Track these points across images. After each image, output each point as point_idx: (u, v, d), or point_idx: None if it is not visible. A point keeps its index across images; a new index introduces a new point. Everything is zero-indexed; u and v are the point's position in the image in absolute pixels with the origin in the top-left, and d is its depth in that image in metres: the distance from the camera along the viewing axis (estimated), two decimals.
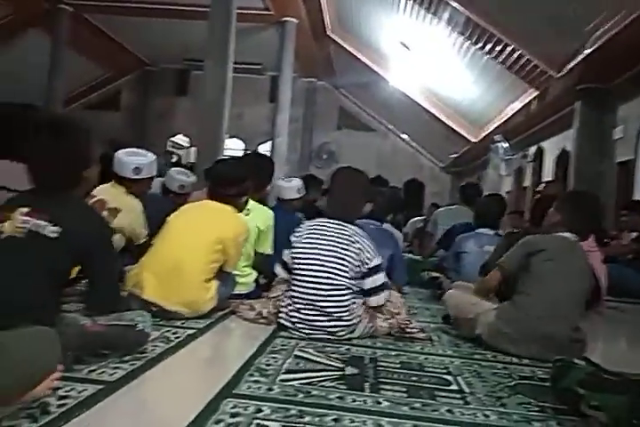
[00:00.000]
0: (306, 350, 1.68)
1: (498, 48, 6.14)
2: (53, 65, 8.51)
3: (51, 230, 1.31)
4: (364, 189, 2.02)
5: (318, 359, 1.58)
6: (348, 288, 1.81)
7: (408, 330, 1.92)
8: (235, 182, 2.13)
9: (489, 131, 8.05)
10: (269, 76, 11.10)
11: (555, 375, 1.34)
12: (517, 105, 6.93)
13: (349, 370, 1.50)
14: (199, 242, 1.95)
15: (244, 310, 2.11)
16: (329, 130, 12.12)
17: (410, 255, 3.95)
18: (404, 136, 11.79)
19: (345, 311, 1.78)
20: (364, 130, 12.03)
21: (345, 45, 9.78)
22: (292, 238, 1.93)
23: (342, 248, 1.82)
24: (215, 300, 1.98)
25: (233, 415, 1.11)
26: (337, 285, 1.79)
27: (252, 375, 1.38)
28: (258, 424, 1.08)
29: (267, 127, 10.73)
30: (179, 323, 1.91)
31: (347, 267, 1.80)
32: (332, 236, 1.85)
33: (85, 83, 11.47)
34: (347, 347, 1.74)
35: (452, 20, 6.45)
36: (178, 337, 1.72)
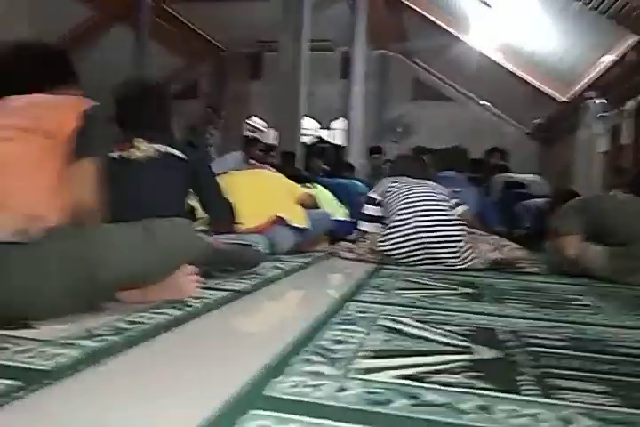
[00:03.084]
0: (415, 277, 1.83)
1: None
2: (137, 58, 9.09)
3: (175, 153, 1.56)
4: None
5: (431, 282, 1.70)
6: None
7: (519, 264, 2.03)
8: None
9: (579, 87, 7.58)
10: (340, 51, 11.09)
11: None
12: (611, 56, 6.46)
13: (462, 290, 1.60)
14: None
15: (341, 250, 2.30)
16: (403, 102, 11.95)
17: None
18: (485, 103, 11.35)
19: (459, 239, 2.09)
20: (440, 100, 11.73)
21: (419, 10, 9.56)
22: (375, 195, 2.40)
23: (436, 191, 2.30)
24: None
25: (360, 312, 1.24)
26: (449, 215, 2.19)
27: (368, 290, 1.52)
28: (387, 318, 1.19)
29: (339, 104, 10.78)
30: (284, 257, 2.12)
31: (446, 202, 2.22)
32: (423, 184, 2.33)
33: (167, 73, 12.10)
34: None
35: None
36: (286, 266, 1.91)
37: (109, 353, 0.87)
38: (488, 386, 0.78)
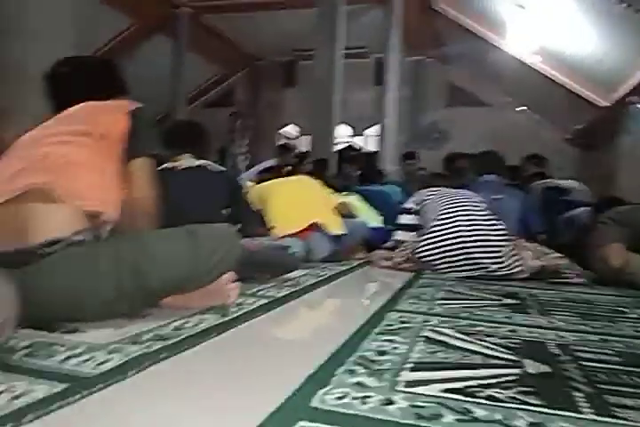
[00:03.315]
0: (455, 287, 1.81)
1: None
2: (175, 67, 9.31)
3: (214, 167, 1.65)
4: None
5: (474, 293, 1.66)
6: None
7: (563, 274, 1.98)
8: None
9: (622, 92, 7.34)
10: (374, 58, 11.10)
11: None
12: None
13: (505, 300, 1.60)
14: None
15: (378, 259, 2.28)
16: (438, 108, 11.83)
17: None
18: (523, 108, 11.13)
19: (502, 244, 2.06)
20: (476, 105, 11.57)
21: (454, 16, 9.49)
22: (411, 204, 2.41)
23: (475, 198, 2.32)
24: None
25: (402, 322, 1.22)
26: (492, 220, 2.16)
27: (408, 299, 1.50)
28: (430, 329, 1.17)
29: (373, 111, 10.76)
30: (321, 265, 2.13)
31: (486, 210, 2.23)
32: (462, 192, 2.34)
33: (203, 82, 12.35)
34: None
35: None
36: (324, 274, 1.91)
37: (153, 360, 0.88)
38: (541, 402, 0.75)
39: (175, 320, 1.14)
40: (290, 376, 0.82)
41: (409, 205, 2.33)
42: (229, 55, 11.71)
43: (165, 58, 9.44)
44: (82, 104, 1.21)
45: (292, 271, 1.74)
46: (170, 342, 0.98)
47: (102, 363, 0.85)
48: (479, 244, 2.03)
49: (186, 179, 1.72)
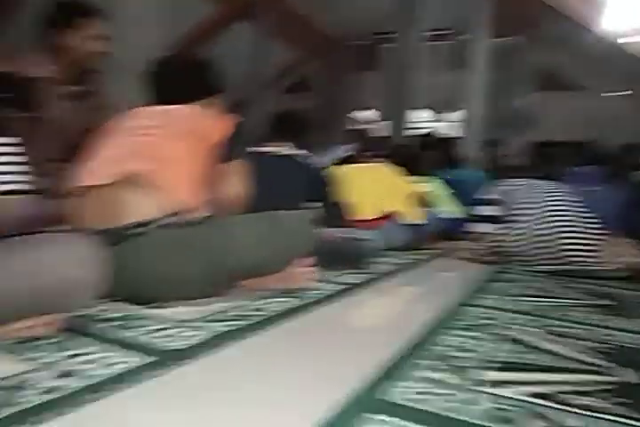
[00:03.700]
0: (544, 284, 1.74)
1: None
2: (255, 53, 9.46)
3: (303, 157, 1.71)
4: None
5: (565, 291, 1.58)
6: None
7: None
8: None
9: None
10: (459, 40, 10.66)
11: None
12: None
13: (599, 301, 1.51)
14: None
15: (456, 250, 2.22)
16: (527, 93, 11.20)
17: None
18: (622, 93, 10.27)
19: (597, 238, 1.95)
20: (569, 89, 10.82)
21: None
22: (492, 194, 2.25)
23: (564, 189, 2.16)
24: None
25: (481, 318, 1.19)
26: (585, 212, 2.03)
27: (487, 294, 1.45)
28: (512, 327, 1.12)
29: (457, 95, 10.38)
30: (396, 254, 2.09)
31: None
32: (552, 185, 2.18)
33: (283, 67, 12.48)
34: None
35: None
36: (399, 264, 1.88)
37: (232, 337, 0.91)
38: (636, 415, 0.69)
39: (253, 301, 1.18)
40: (359, 365, 0.82)
41: (492, 195, 2.22)
42: (310, 40, 11.73)
43: (246, 44, 9.62)
44: (188, 106, 1.32)
45: (366, 261, 1.73)
46: (248, 321, 1.01)
47: (188, 338, 0.89)
48: (572, 235, 1.91)
49: (274, 165, 1.76)
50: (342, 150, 3.64)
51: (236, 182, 1.31)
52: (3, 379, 0.67)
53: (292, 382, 0.75)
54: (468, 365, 0.85)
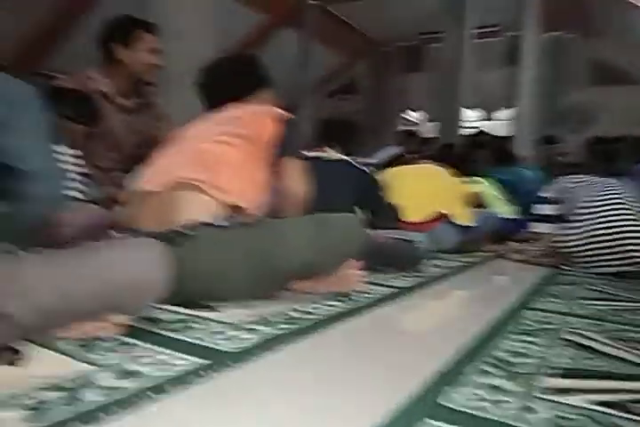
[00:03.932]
0: (602, 286, 1.64)
1: None
2: (301, 58, 9.55)
3: (354, 161, 1.74)
4: None
5: (625, 294, 1.50)
6: None
7: None
8: None
9: None
10: (507, 36, 10.38)
11: None
12: None
13: None
14: None
15: (510, 251, 2.16)
16: (582, 88, 10.74)
17: None
18: None
19: None
20: (629, 83, 10.29)
21: None
22: (550, 193, 2.18)
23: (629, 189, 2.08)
24: None
25: (539, 322, 1.15)
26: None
27: (545, 297, 1.40)
28: (572, 331, 1.08)
29: (506, 93, 10.08)
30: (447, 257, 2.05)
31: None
32: (613, 183, 2.09)
33: (328, 71, 12.55)
34: None
35: None
36: (451, 266, 1.84)
37: (284, 341, 0.92)
38: None
39: (302, 304, 1.18)
40: (416, 370, 0.81)
41: (549, 193, 2.14)
42: (354, 43, 11.74)
43: (292, 49, 9.73)
44: (238, 107, 1.34)
45: (417, 263, 1.70)
46: (298, 325, 1.02)
47: (242, 341, 0.90)
48: (635, 235, 1.81)
49: (326, 170, 1.77)
50: (391, 152, 3.62)
51: (296, 181, 1.33)
52: (67, 379, 0.70)
53: (347, 387, 0.75)
54: (529, 371, 0.82)
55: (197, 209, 1.16)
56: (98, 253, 0.83)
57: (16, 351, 0.74)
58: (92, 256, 0.83)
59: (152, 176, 1.25)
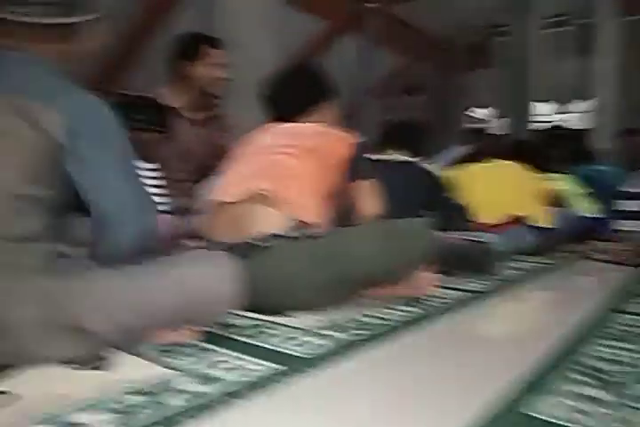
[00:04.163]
0: None
1: None
2: (363, 61, 9.55)
3: (420, 164, 1.69)
4: None
5: None
6: None
7: None
8: None
9: None
10: (578, 24, 9.83)
11: None
12: None
13: None
14: None
15: (593, 252, 2.05)
16: None
17: None
18: None
19: None
20: None
21: None
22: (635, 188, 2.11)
23: None
24: None
25: (630, 326, 1.08)
26: None
27: (636, 300, 1.30)
28: None
29: (580, 84, 9.54)
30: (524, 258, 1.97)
31: None
32: None
33: (390, 73, 12.45)
34: None
35: None
36: (529, 269, 1.76)
37: (358, 347, 0.91)
38: None
39: (373, 310, 1.17)
40: (497, 378, 0.77)
41: (636, 189, 1.99)
42: (417, 44, 11.58)
43: (353, 53, 9.74)
44: (311, 124, 1.37)
45: (492, 266, 1.63)
46: (371, 331, 1.01)
47: (316, 347, 0.90)
48: None
49: (391, 173, 1.75)
50: (459, 151, 3.51)
51: (368, 203, 1.34)
52: (150, 384, 0.73)
53: (425, 396, 0.73)
54: (623, 379, 0.76)
55: (269, 221, 1.18)
56: (171, 270, 0.86)
57: (101, 357, 0.79)
58: (165, 273, 0.86)
59: (226, 187, 1.29)
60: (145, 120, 1.60)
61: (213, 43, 1.98)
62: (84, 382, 0.73)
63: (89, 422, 0.61)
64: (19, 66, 0.86)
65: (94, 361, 0.78)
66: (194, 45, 1.96)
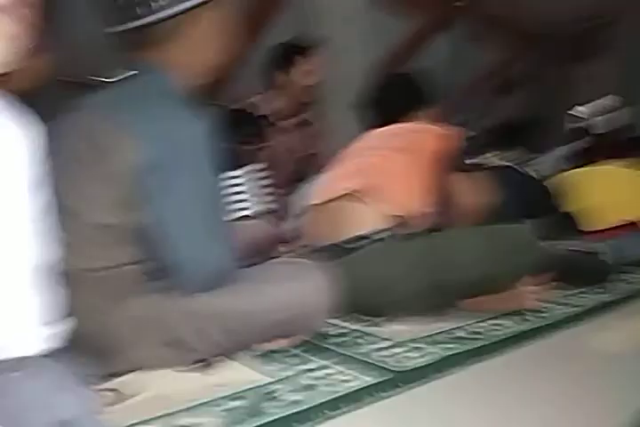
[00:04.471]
0: None
1: None
2: (456, 61, 9.25)
3: (521, 168, 1.92)
4: None
5: None
6: None
7: None
8: None
9: None
10: None
11: None
12: None
13: None
14: None
15: None
16: None
17: None
18: None
19: None
20: None
21: None
22: None
23: None
24: None
25: None
26: None
27: None
28: None
29: None
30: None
31: None
32: None
33: (487, 71, 11.95)
34: None
35: None
36: None
37: (457, 361, 0.88)
38: None
39: (471, 323, 1.11)
40: (620, 402, 0.71)
41: None
42: (515, 39, 11.03)
43: (445, 53, 9.48)
44: (407, 124, 1.38)
45: (602, 279, 1.50)
46: (467, 346, 0.96)
47: (414, 359, 0.89)
48: None
49: (495, 178, 1.69)
50: (567, 152, 3.28)
51: (465, 195, 1.31)
52: (248, 390, 0.75)
53: (533, 419, 0.68)
54: None
55: (361, 220, 1.19)
56: (266, 289, 0.88)
57: (207, 362, 0.83)
58: (260, 292, 0.87)
59: (324, 187, 1.33)
60: (244, 133, 1.68)
61: (303, 52, 2.02)
62: (186, 385, 0.76)
63: (189, 425, 0.64)
64: (125, 83, 0.87)
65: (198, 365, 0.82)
66: (283, 56, 2.01)
